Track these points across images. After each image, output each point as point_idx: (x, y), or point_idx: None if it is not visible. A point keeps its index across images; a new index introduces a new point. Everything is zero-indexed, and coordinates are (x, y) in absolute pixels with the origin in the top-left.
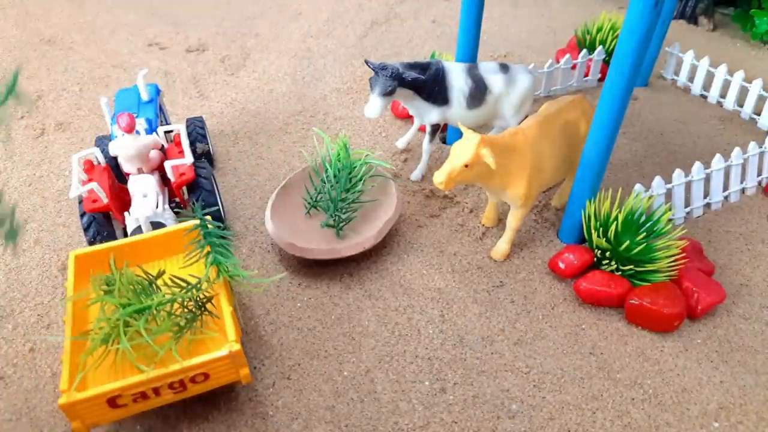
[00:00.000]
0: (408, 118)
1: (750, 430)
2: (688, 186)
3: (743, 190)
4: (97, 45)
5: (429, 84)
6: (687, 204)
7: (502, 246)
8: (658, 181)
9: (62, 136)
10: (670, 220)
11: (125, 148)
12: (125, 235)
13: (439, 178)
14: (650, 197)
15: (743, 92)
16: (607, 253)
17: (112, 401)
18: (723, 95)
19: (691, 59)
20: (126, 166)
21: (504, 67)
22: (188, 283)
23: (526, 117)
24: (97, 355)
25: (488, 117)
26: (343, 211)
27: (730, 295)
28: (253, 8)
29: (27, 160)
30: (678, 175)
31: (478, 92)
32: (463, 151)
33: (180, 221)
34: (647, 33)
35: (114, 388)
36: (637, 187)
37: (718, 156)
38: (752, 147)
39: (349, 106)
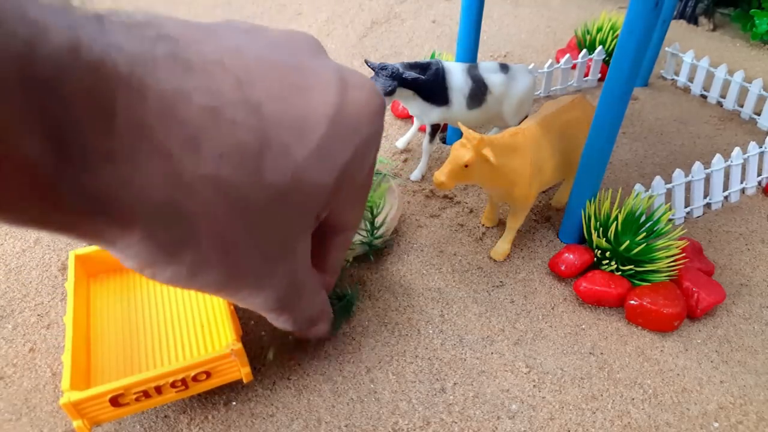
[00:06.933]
0: (408, 118)
1: (750, 430)
2: (688, 186)
3: (743, 190)
4: None
5: (429, 84)
6: (687, 204)
7: (502, 246)
8: (658, 181)
9: None
10: (670, 220)
11: None
12: None
13: (439, 178)
14: (650, 197)
15: (743, 92)
16: (607, 253)
17: (115, 400)
18: (723, 95)
19: (691, 59)
20: None
21: (504, 67)
22: None
23: (526, 117)
24: (99, 354)
25: (488, 117)
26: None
27: (730, 295)
28: (253, 8)
29: None
30: (678, 175)
31: (478, 92)
32: (463, 151)
33: None
34: (647, 33)
35: (117, 387)
36: (637, 187)
37: (718, 156)
38: (752, 147)
39: None
